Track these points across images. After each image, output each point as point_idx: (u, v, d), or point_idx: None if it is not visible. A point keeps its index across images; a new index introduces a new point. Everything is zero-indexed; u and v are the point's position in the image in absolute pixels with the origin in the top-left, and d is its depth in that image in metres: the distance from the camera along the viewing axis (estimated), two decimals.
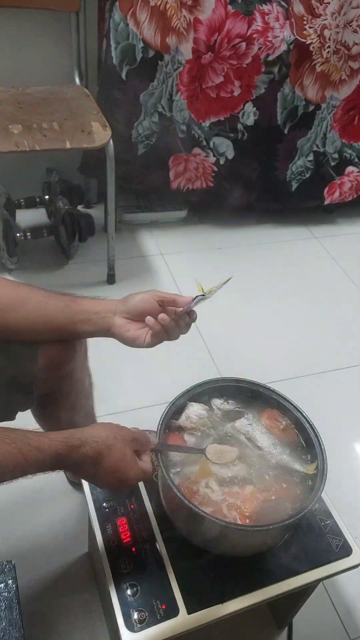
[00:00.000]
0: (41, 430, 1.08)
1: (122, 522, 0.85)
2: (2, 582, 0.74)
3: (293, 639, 1.07)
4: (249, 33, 1.69)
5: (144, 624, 0.75)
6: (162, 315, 0.80)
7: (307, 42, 1.77)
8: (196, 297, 0.78)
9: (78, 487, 1.24)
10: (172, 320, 0.80)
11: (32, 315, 0.80)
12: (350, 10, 1.75)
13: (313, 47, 1.79)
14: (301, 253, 2.16)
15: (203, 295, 0.78)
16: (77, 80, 1.83)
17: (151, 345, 0.83)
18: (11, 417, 0.86)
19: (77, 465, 0.68)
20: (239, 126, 1.92)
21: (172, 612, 0.76)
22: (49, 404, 0.97)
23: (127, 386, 1.50)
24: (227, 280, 0.77)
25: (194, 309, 0.82)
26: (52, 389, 0.92)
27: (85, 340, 0.94)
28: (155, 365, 1.55)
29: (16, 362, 0.80)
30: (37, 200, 1.99)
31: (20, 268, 1.84)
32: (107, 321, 0.82)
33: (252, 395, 0.91)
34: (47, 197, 1.99)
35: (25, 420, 1.02)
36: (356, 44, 1.83)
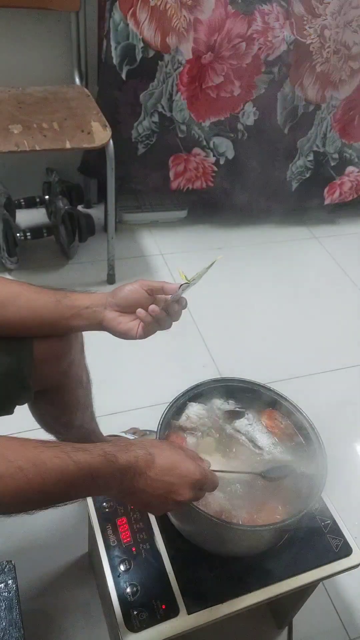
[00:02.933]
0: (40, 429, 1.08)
1: (122, 522, 0.85)
2: (2, 582, 0.74)
3: (293, 639, 1.07)
4: (249, 33, 1.69)
5: (144, 624, 0.75)
6: (152, 307, 0.80)
7: (307, 42, 1.77)
8: (181, 285, 0.79)
9: None
10: (162, 310, 0.80)
11: (23, 312, 0.80)
12: (350, 10, 1.75)
13: (313, 47, 1.79)
14: (301, 253, 2.16)
15: (187, 283, 0.78)
16: (77, 80, 1.83)
17: (144, 336, 0.83)
18: (9, 411, 0.86)
19: (130, 468, 0.61)
20: (239, 126, 1.92)
21: (172, 612, 0.76)
22: (46, 400, 0.97)
23: (127, 386, 1.50)
24: (212, 264, 0.77)
25: (183, 295, 0.81)
26: (48, 384, 0.92)
27: (81, 336, 0.94)
28: (155, 365, 1.55)
29: (11, 354, 0.80)
30: (37, 200, 1.99)
31: (20, 268, 1.84)
32: (98, 315, 0.82)
33: (252, 395, 0.91)
34: (47, 197, 1.99)
35: (23, 415, 1.02)
36: (356, 44, 1.83)
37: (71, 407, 1.01)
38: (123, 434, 1.29)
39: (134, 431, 1.31)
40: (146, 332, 0.82)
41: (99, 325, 0.83)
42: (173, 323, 0.84)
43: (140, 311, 0.81)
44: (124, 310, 0.82)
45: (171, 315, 0.82)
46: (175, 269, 0.83)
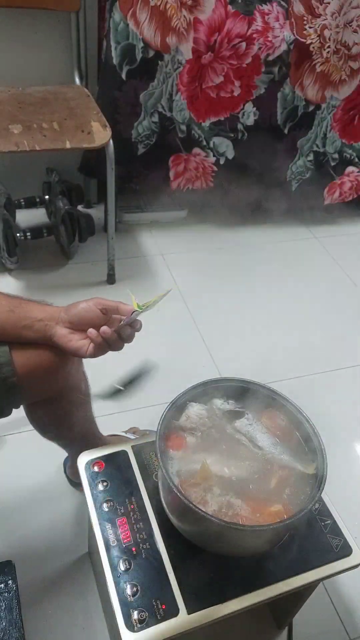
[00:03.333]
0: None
1: (122, 522, 0.85)
2: (2, 582, 0.74)
3: (293, 639, 1.07)
4: (249, 33, 1.69)
5: (144, 624, 0.75)
6: (104, 328, 0.78)
7: (307, 42, 1.77)
8: (133, 312, 0.78)
9: (78, 487, 1.23)
10: (113, 332, 0.79)
11: None
12: (350, 10, 1.75)
13: (313, 47, 1.79)
14: (301, 253, 2.16)
15: (138, 311, 0.77)
16: (77, 80, 1.83)
17: (94, 356, 0.81)
18: (6, 413, 0.86)
19: None
20: (239, 126, 1.92)
21: (172, 612, 0.76)
22: (43, 408, 0.95)
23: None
24: (167, 293, 0.77)
25: (139, 318, 0.81)
26: (45, 396, 0.91)
27: None
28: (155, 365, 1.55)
29: None
30: (37, 200, 1.99)
31: (20, 268, 1.84)
32: (49, 330, 0.80)
33: (252, 395, 0.91)
34: (47, 197, 1.99)
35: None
36: (356, 44, 1.83)
37: (69, 415, 0.99)
38: (123, 434, 1.29)
39: (134, 431, 1.31)
40: (97, 352, 0.81)
41: (49, 340, 0.81)
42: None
43: (91, 331, 0.79)
44: (75, 327, 0.80)
45: (123, 339, 0.81)
46: (128, 294, 0.82)
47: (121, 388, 0.77)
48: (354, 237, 2.29)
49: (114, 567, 0.80)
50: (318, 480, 0.78)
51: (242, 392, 0.92)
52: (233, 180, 2.05)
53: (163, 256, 2.02)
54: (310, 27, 1.75)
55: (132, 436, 1.27)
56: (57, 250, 1.94)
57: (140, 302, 0.79)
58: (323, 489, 0.76)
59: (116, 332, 0.79)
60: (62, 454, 1.19)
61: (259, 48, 1.73)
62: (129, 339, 0.82)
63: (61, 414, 0.98)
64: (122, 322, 0.80)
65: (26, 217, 2.01)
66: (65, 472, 1.27)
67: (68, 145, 1.50)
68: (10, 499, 1.22)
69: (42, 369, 0.83)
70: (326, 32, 1.76)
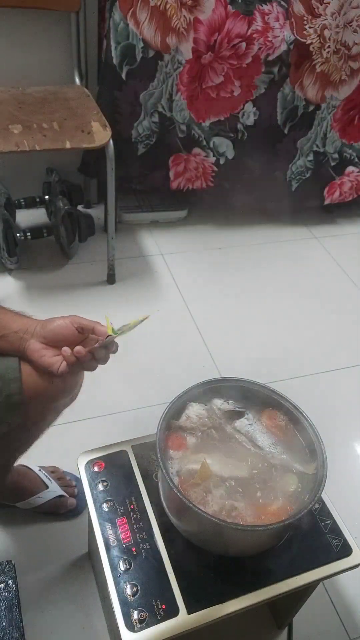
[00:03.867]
0: None
1: (122, 522, 0.85)
2: (2, 582, 0.74)
3: (293, 639, 1.07)
4: (249, 33, 1.69)
5: (144, 624, 0.75)
6: (77, 348, 0.77)
7: (307, 42, 1.77)
8: (108, 336, 0.77)
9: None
10: (87, 352, 0.78)
11: None
12: (350, 10, 1.75)
13: (313, 47, 1.79)
14: (301, 253, 2.16)
15: (112, 335, 0.77)
16: (77, 80, 1.83)
17: (66, 374, 0.79)
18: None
19: None
20: (239, 126, 1.92)
21: (172, 612, 0.76)
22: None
23: (127, 386, 1.50)
24: (145, 318, 0.77)
25: (116, 340, 0.80)
26: (26, 419, 0.88)
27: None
28: (155, 365, 1.55)
29: None
30: (37, 200, 1.99)
31: (20, 268, 1.84)
32: (22, 343, 0.79)
33: (252, 395, 0.91)
34: (47, 197, 1.99)
35: None
36: (356, 44, 1.83)
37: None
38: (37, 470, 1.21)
39: (52, 470, 1.23)
40: (69, 371, 0.79)
41: (22, 353, 0.79)
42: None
43: (65, 349, 0.78)
44: (50, 343, 0.79)
45: (97, 360, 0.80)
46: (104, 317, 0.82)
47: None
48: (354, 237, 2.29)
49: (114, 567, 0.80)
50: (318, 480, 0.77)
51: (242, 392, 0.91)
52: (233, 180, 2.05)
53: (163, 256, 2.02)
54: (310, 27, 1.75)
55: (43, 475, 1.20)
56: (57, 250, 1.94)
57: (117, 326, 0.78)
58: (323, 489, 0.76)
59: (90, 353, 0.78)
60: (62, 452, 1.19)
61: (259, 48, 1.73)
62: (103, 360, 0.80)
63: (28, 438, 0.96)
64: (96, 344, 0.78)
65: (26, 217, 2.01)
66: None
67: (68, 145, 1.50)
68: None
69: (49, 396, 0.82)
70: (326, 32, 1.76)
